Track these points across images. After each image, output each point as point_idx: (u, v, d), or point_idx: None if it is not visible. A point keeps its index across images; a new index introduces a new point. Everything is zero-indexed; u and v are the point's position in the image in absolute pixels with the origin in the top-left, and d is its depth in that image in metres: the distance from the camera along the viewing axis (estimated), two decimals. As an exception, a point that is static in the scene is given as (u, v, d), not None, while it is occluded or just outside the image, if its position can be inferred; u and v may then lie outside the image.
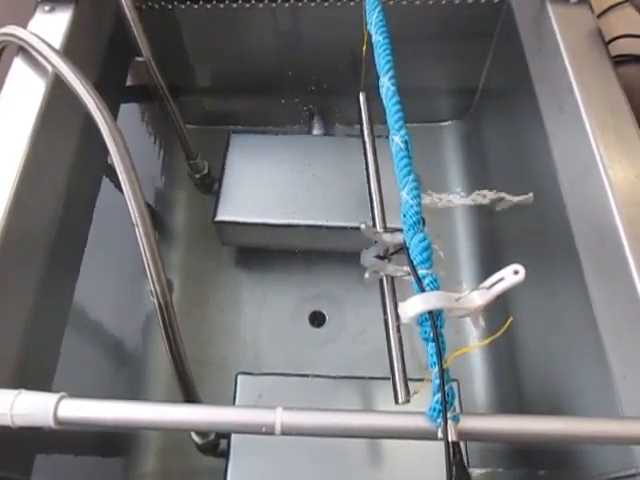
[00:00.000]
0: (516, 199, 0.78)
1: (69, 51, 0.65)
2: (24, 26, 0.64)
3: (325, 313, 0.91)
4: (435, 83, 0.97)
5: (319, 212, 0.83)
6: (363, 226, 0.56)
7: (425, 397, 0.39)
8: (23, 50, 0.63)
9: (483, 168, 0.95)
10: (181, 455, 0.80)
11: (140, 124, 0.95)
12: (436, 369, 0.35)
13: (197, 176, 0.93)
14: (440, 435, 0.35)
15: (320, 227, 0.82)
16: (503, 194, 0.82)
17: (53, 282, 0.62)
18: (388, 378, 0.52)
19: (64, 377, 0.63)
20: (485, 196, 0.88)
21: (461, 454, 0.33)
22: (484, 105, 0.98)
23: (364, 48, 0.57)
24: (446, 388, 0.35)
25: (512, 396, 0.79)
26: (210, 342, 0.89)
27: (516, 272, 0.36)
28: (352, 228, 0.81)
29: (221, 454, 0.68)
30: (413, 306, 0.37)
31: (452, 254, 0.94)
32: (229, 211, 0.84)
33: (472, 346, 0.40)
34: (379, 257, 0.56)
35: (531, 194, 0.74)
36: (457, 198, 0.97)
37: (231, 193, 0.85)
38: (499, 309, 0.63)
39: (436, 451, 0.48)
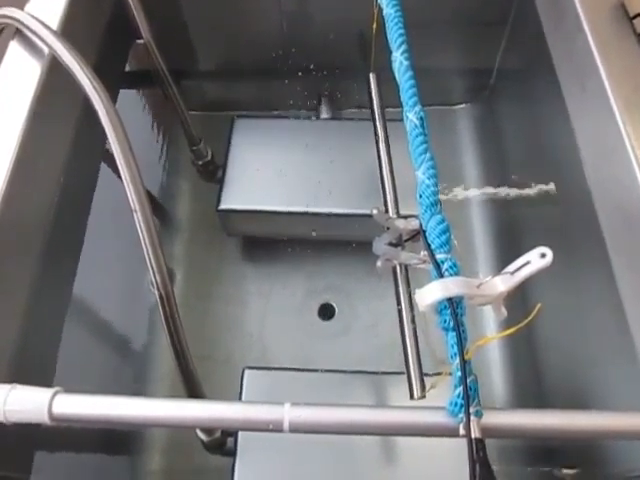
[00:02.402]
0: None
1: (67, 33, 0.64)
2: (21, 8, 0.63)
3: (335, 305, 0.90)
4: (448, 64, 0.96)
5: (328, 199, 0.82)
6: (375, 212, 0.55)
7: (442, 393, 0.38)
8: (20, 32, 0.62)
9: (499, 153, 0.93)
10: (187, 453, 0.79)
11: (140, 110, 0.94)
12: (457, 360, 0.34)
13: (200, 163, 0.92)
14: (462, 432, 0.34)
15: (329, 215, 0.81)
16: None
17: (50, 274, 0.61)
18: (402, 373, 0.51)
19: (64, 373, 0.62)
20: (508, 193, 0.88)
21: (485, 452, 0.32)
22: (500, 87, 0.96)
23: (374, 26, 0.56)
24: (468, 381, 0.33)
25: (532, 391, 0.77)
26: (215, 337, 0.88)
27: (543, 255, 0.34)
28: (363, 215, 0.79)
29: (228, 452, 0.67)
30: (431, 293, 0.36)
31: (468, 244, 0.93)
32: (233, 199, 0.83)
33: (497, 335, 0.39)
34: (392, 244, 0.55)
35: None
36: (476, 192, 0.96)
37: (235, 180, 0.84)
38: (518, 299, 0.62)
39: (455, 449, 0.46)
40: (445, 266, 0.37)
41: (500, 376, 0.83)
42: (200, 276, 0.93)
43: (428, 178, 0.40)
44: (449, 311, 0.36)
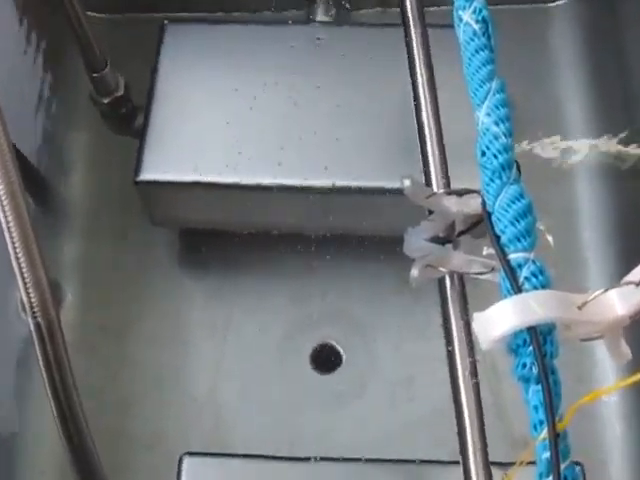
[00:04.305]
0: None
1: None
2: None
3: (340, 348, 0.91)
4: None
5: (326, 164, 0.83)
6: (407, 184, 0.55)
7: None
8: None
9: (621, 82, 0.94)
10: None
11: (5, 9, 0.94)
12: (544, 432, 0.34)
13: (106, 101, 0.92)
14: None
15: (329, 190, 0.82)
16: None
17: None
18: (456, 462, 0.52)
19: None
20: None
21: None
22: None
23: None
24: (562, 468, 0.34)
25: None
26: (135, 400, 0.89)
27: (691, 254, 0.35)
28: (387, 191, 0.80)
29: None
30: (500, 318, 0.36)
31: (570, 241, 0.93)
32: (163, 164, 0.84)
33: (613, 386, 0.39)
34: (438, 240, 0.55)
35: None
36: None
37: (167, 132, 0.85)
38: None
39: None
40: (524, 272, 0.37)
41: (619, 456, 0.84)
42: (107, 297, 0.94)
43: (496, 122, 0.40)
44: (531, 349, 0.36)
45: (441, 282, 0.55)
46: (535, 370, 0.36)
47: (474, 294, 0.55)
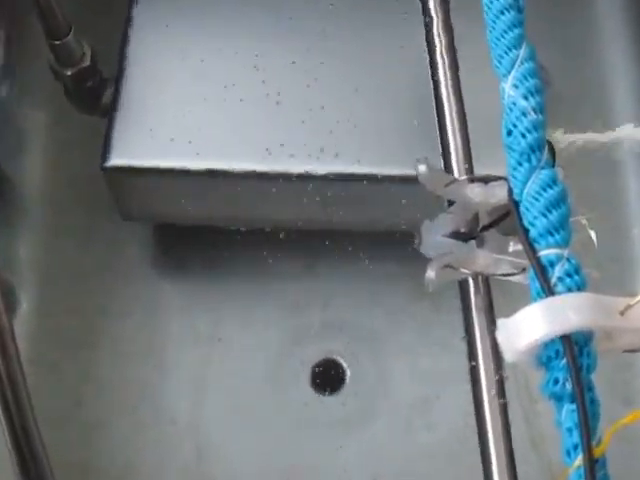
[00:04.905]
0: None
1: None
2: None
3: (344, 364, 0.92)
4: None
5: (327, 147, 0.83)
6: (423, 170, 0.56)
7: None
8: None
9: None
10: None
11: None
12: (579, 458, 0.34)
13: (69, 73, 0.91)
14: None
15: (331, 178, 0.82)
16: None
17: None
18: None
19: None
20: None
21: None
22: None
23: None
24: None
25: None
26: (103, 426, 0.89)
27: None
28: (399, 178, 0.80)
29: None
30: (529, 326, 0.36)
31: (616, 237, 0.94)
32: (135, 147, 0.84)
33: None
34: (458, 236, 0.56)
35: None
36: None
37: (139, 109, 0.85)
38: None
39: None
40: (557, 271, 0.38)
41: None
42: (70, 303, 0.94)
43: (524, 96, 0.41)
44: (564, 362, 0.36)
45: (463, 286, 0.55)
46: (569, 386, 0.36)
47: (502, 301, 0.55)
